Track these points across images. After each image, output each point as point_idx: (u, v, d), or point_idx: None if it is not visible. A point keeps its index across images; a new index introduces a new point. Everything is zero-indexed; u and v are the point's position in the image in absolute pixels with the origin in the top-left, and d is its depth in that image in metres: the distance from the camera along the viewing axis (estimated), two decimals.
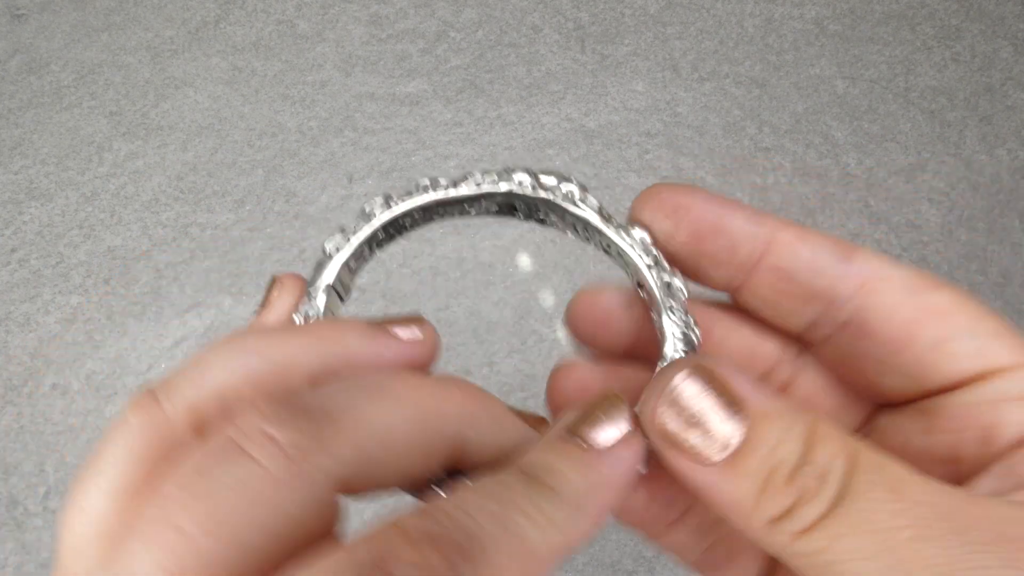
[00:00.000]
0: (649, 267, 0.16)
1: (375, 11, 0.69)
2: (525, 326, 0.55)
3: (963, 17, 0.70)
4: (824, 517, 0.12)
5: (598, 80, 0.66)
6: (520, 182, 0.16)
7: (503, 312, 0.56)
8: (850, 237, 0.60)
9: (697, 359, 0.14)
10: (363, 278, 0.17)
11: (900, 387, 0.15)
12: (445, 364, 0.55)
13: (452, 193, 0.16)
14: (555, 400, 0.17)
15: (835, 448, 0.13)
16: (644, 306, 0.17)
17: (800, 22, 0.69)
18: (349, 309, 0.17)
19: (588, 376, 0.17)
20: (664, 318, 0.15)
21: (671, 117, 0.64)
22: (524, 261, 0.58)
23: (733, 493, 0.13)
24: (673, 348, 0.15)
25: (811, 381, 0.17)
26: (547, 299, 0.56)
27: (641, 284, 0.16)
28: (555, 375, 0.17)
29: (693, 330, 0.15)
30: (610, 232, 0.16)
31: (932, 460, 0.14)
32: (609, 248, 0.16)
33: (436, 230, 0.59)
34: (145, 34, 0.67)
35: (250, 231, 0.59)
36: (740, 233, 0.15)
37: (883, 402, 0.16)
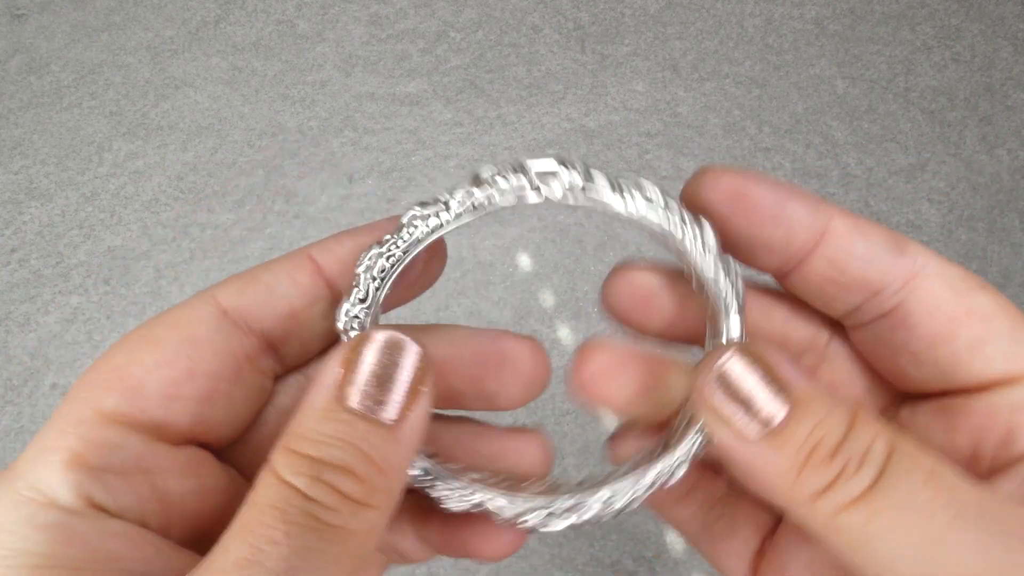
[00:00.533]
0: (709, 255, 0.15)
1: (375, 11, 0.69)
2: (525, 326, 0.55)
3: (963, 17, 0.70)
4: (866, 492, 0.13)
5: (598, 80, 0.66)
6: (508, 190, 0.15)
7: (503, 312, 0.56)
8: None
9: (747, 343, 0.15)
10: None
11: (930, 380, 0.15)
12: None
13: (450, 217, 0.16)
14: (582, 379, 0.17)
15: (875, 431, 0.13)
16: (686, 285, 0.16)
17: (800, 22, 0.69)
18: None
19: (617, 357, 0.17)
20: (719, 305, 0.16)
21: (671, 117, 0.64)
22: (524, 261, 0.58)
23: (777, 466, 0.13)
24: (724, 331, 0.16)
25: (837, 369, 0.17)
26: (547, 299, 0.56)
27: (695, 274, 0.16)
28: (583, 353, 0.17)
29: (741, 313, 0.16)
30: (669, 218, 0.15)
31: (951, 458, 0.14)
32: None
33: None
34: (145, 34, 0.67)
35: (250, 231, 0.59)
36: (798, 222, 0.15)
37: (907, 392, 0.16)
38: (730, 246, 0.16)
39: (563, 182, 0.15)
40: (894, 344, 0.16)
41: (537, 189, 0.15)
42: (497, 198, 0.15)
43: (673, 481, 0.16)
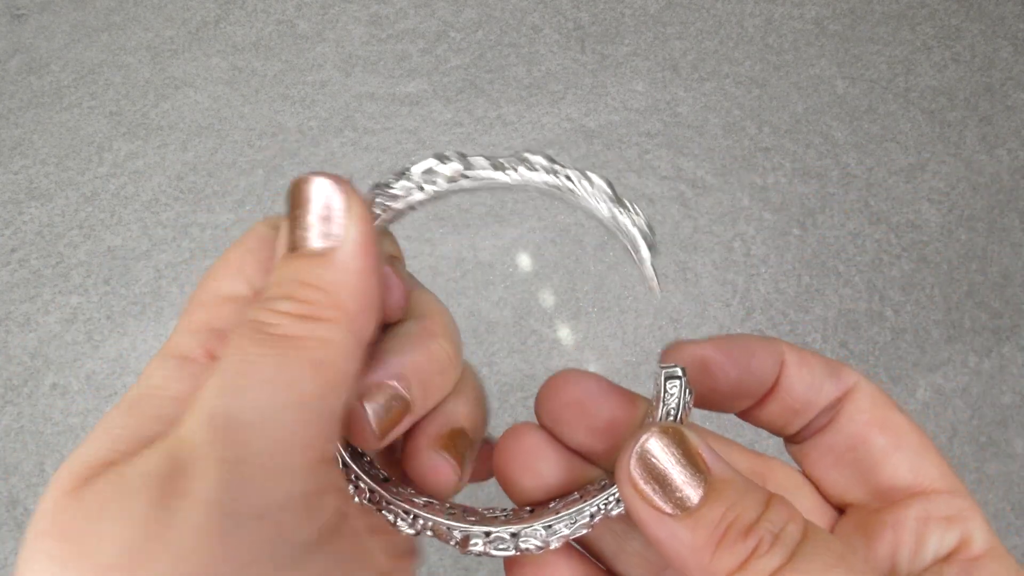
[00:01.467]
0: (603, 202, 0.16)
1: (375, 11, 0.69)
2: (525, 326, 0.56)
3: (963, 17, 0.70)
4: (779, 570, 0.13)
5: (598, 80, 0.66)
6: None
7: (503, 312, 0.56)
8: (850, 237, 0.60)
9: (672, 424, 0.15)
10: None
11: (849, 482, 0.17)
12: None
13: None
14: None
15: (790, 514, 0.14)
16: (618, 398, 0.17)
17: (800, 22, 0.69)
18: None
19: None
20: (626, 244, 0.16)
21: (671, 117, 0.64)
22: (524, 261, 0.58)
23: (693, 543, 0.14)
24: (662, 411, 0.16)
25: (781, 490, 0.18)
26: (547, 299, 0.56)
27: (613, 232, 0.17)
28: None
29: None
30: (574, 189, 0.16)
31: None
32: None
33: (436, 230, 0.59)
34: (145, 34, 0.67)
35: None
36: (763, 371, 0.18)
37: (834, 502, 0.18)
38: (708, 402, 0.18)
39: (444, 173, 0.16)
40: (822, 447, 0.18)
41: (421, 188, 0.17)
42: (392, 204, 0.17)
43: (595, 521, 0.16)
